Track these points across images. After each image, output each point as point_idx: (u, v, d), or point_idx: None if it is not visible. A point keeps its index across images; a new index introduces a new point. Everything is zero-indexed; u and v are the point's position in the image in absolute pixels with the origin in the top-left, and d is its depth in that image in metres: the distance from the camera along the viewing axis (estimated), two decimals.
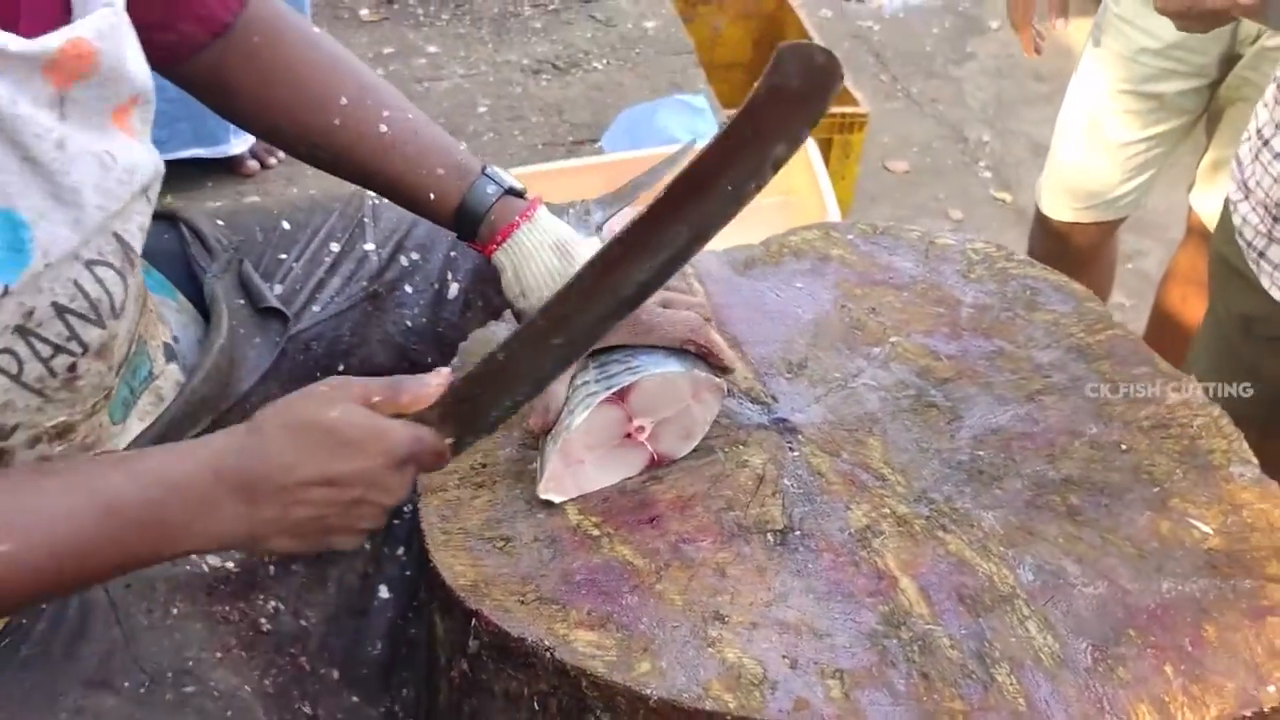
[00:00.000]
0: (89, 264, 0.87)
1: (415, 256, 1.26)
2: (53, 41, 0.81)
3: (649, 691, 0.85)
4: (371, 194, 1.27)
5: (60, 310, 0.84)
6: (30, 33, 0.80)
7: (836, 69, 0.85)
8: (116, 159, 0.87)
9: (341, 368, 1.21)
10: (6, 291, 0.80)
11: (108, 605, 0.92)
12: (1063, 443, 1.07)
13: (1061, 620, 0.90)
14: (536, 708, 0.91)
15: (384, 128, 1.05)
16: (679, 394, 1.02)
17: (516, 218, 1.03)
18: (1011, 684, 0.86)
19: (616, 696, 0.86)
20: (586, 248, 1.04)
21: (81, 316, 0.86)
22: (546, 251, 1.03)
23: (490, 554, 0.96)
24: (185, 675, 0.92)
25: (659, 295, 1.06)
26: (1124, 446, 1.07)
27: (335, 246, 1.24)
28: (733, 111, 0.89)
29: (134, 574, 0.92)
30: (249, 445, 0.83)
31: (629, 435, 1.01)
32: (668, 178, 1.11)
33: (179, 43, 1.04)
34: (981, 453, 1.06)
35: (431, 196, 1.05)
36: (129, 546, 0.80)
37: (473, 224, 1.05)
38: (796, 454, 1.06)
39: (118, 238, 0.89)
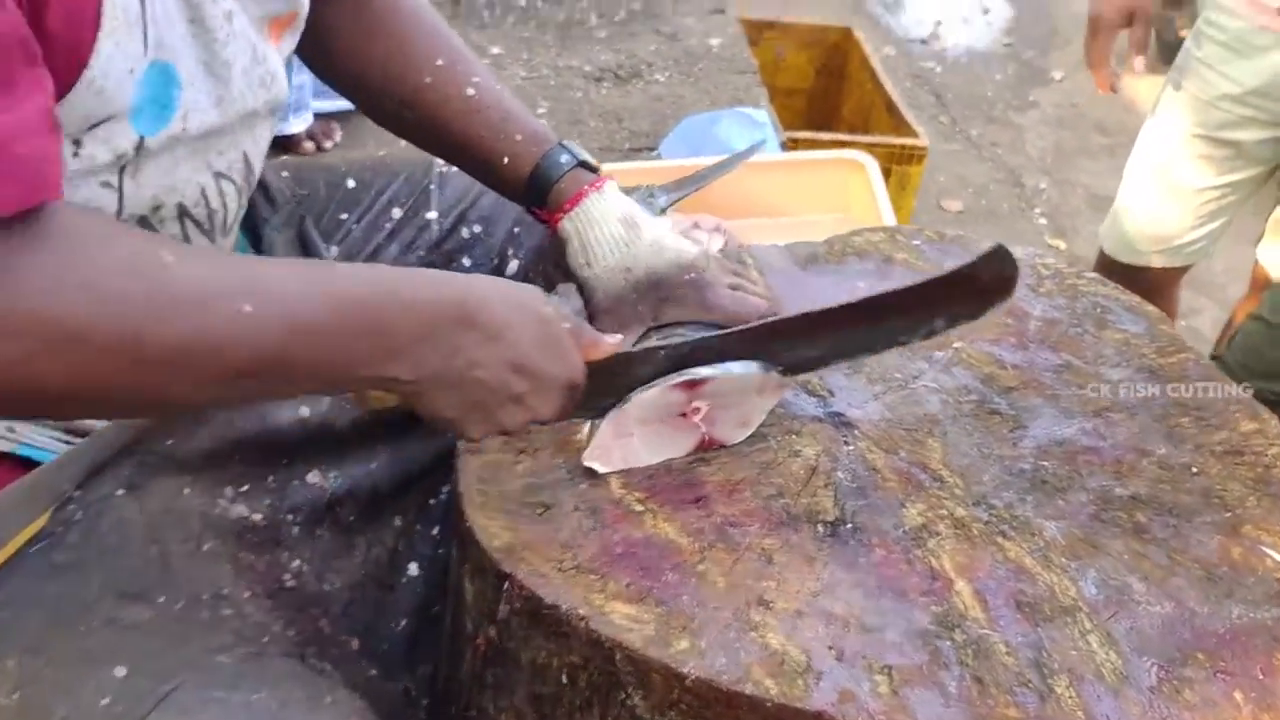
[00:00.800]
0: (217, 175, 0.89)
1: (478, 229, 1.24)
2: None
3: (687, 669, 0.80)
4: (440, 162, 1.25)
5: (183, 213, 0.86)
6: None
7: (1014, 284, 0.93)
8: (265, 60, 0.89)
9: None
10: (142, 144, 0.79)
11: (144, 526, 0.89)
12: (1130, 460, 1.02)
13: (1125, 637, 0.86)
14: (565, 680, 0.87)
15: (471, 91, 1.05)
16: (747, 390, 0.98)
17: (586, 186, 1.01)
18: (1070, 696, 0.81)
19: (652, 673, 0.82)
20: (653, 226, 1.02)
21: (198, 224, 0.87)
22: (613, 222, 1.01)
23: (529, 519, 0.92)
24: (221, 600, 0.88)
25: (729, 279, 1.03)
26: (1194, 469, 1.02)
27: (397, 212, 1.22)
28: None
29: (171, 505, 0.90)
30: (475, 293, 0.81)
31: (684, 415, 0.97)
32: (732, 172, 1.10)
33: None
34: (1045, 463, 1.01)
35: (506, 160, 1.04)
36: (348, 349, 0.75)
37: (542, 191, 1.02)
38: (852, 448, 1.02)
39: (245, 157, 0.91)
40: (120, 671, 0.80)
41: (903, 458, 1.01)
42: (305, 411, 1.03)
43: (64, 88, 0.73)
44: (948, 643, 0.84)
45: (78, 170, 0.79)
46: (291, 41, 0.97)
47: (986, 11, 4.89)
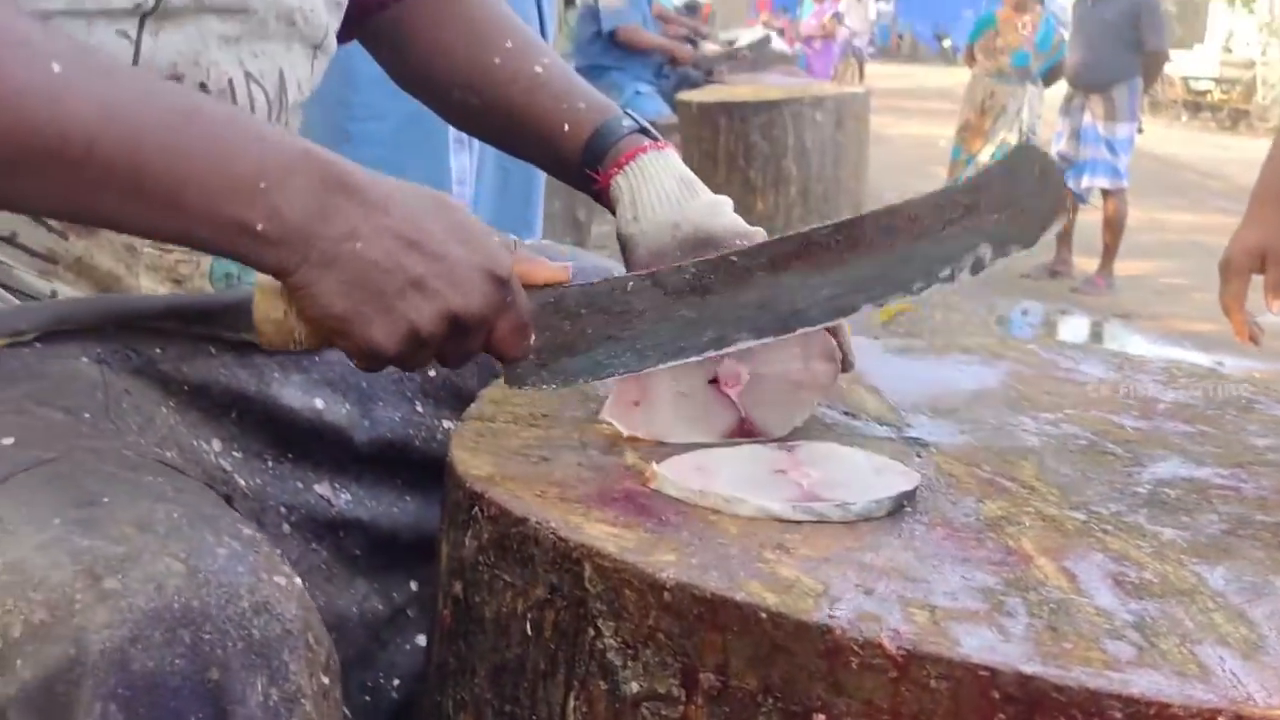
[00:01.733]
0: (248, 75, 0.86)
1: None
2: None
3: (664, 575, 0.63)
4: None
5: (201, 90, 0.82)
6: None
7: (1061, 195, 0.82)
8: None
9: (431, 373, 1.07)
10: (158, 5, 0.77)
11: (102, 386, 0.79)
12: (1276, 501, 0.82)
13: (1265, 621, 0.64)
14: (529, 630, 0.70)
15: (539, 69, 1.02)
16: (787, 352, 0.85)
17: (646, 144, 0.95)
18: (1180, 652, 0.59)
19: (625, 589, 0.65)
20: (711, 194, 0.93)
21: None
22: (669, 179, 0.92)
23: (520, 464, 0.78)
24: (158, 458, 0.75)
25: None
26: None
27: None
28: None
29: (140, 402, 0.80)
30: (352, 167, 0.71)
31: (715, 381, 0.84)
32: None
33: None
34: (1168, 490, 0.82)
35: (566, 127, 0.99)
36: (183, 162, 0.66)
37: (600, 152, 0.96)
38: (924, 459, 0.85)
39: (280, 74, 0.89)
40: (6, 440, 0.69)
41: (986, 470, 0.83)
42: (320, 404, 0.93)
43: None
44: (1017, 599, 0.64)
45: (93, 9, 0.77)
46: None
47: None
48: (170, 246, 0.88)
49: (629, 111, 0.98)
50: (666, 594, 0.63)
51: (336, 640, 0.90)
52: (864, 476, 0.78)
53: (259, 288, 0.75)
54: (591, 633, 0.66)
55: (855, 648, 0.59)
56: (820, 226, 0.80)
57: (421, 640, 0.97)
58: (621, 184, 0.94)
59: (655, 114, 5.53)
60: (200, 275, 0.91)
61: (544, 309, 0.79)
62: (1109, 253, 6.27)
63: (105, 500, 0.63)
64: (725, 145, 3.78)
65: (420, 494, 0.98)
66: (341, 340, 0.73)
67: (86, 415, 0.75)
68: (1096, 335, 5.66)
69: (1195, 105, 17.67)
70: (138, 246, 0.86)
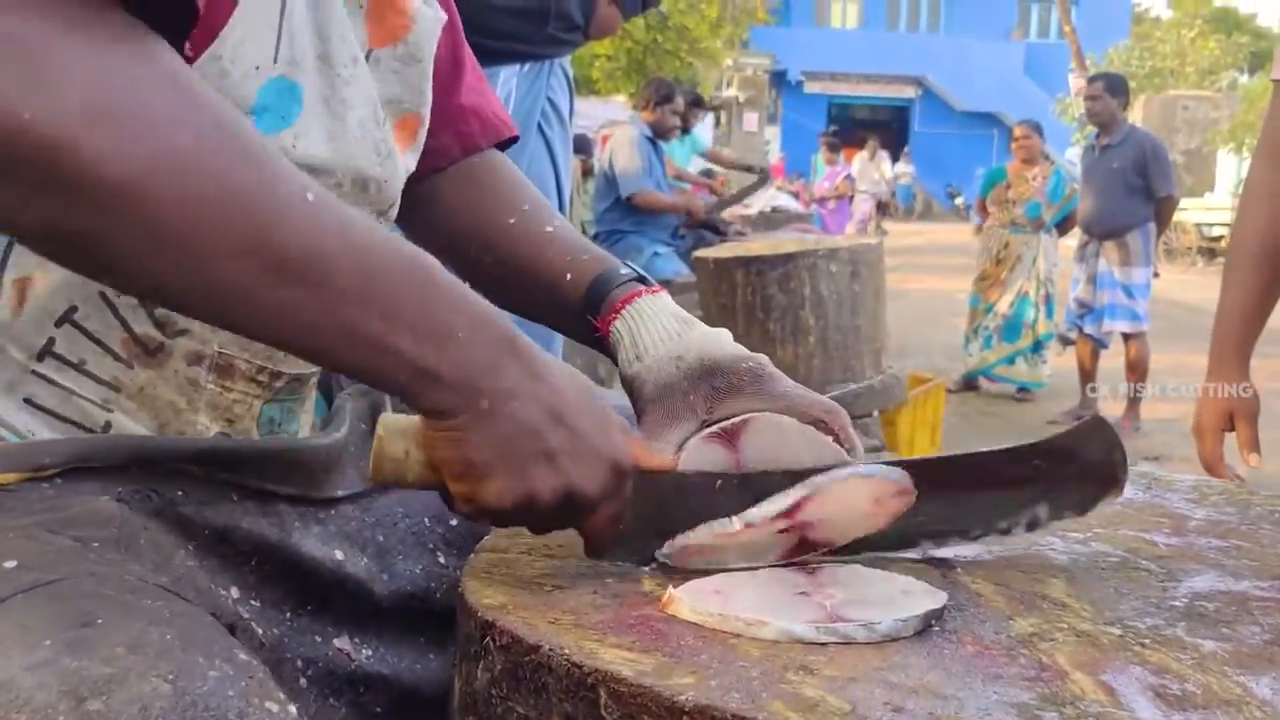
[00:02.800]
0: None
1: None
2: None
3: (683, 699, 0.61)
4: None
5: None
6: None
7: (1122, 467, 0.86)
8: (388, 143, 0.94)
9: (454, 522, 1.06)
10: None
11: (119, 520, 0.78)
12: None
13: None
14: None
15: (550, 229, 1.06)
16: (795, 453, 0.84)
17: (642, 289, 0.96)
18: None
19: (643, 715, 0.62)
20: (709, 328, 0.94)
21: None
22: (667, 317, 0.93)
23: (534, 593, 0.77)
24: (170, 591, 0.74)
25: (800, 400, 0.91)
26: None
27: None
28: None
29: (159, 541, 0.79)
30: (524, 336, 0.76)
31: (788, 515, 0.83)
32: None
33: (431, 152, 1.07)
34: (1205, 603, 0.79)
35: (569, 278, 1.01)
36: (392, 301, 0.69)
37: (599, 298, 0.97)
38: (949, 579, 0.83)
39: None
40: (9, 564, 0.67)
41: (1015, 588, 0.81)
42: (339, 555, 0.92)
43: (191, 54, 0.76)
44: (1053, 714, 0.61)
45: None
46: (413, 159, 1.00)
47: None
48: (232, 385, 0.89)
49: (628, 264, 1.00)
50: (685, 717, 0.60)
51: None
52: (889, 596, 0.76)
53: (383, 425, 0.77)
54: None
55: None
56: (906, 460, 0.85)
57: None
58: (620, 328, 0.95)
59: (674, 274, 5.62)
60: (250, 417, 0.92)
61: (640, 491, 0.80)
62: (1134, 396, 6.24)
63: (99, 621, 0.62)
64: (743, 298, 3.82)
65: (443, 649, 0.96)
66: (459, 486, 0.75)
67: (96, 544, 0.74)
68: None
69: (1210, 251, 17.82)
70: (201, 382, 0.87)
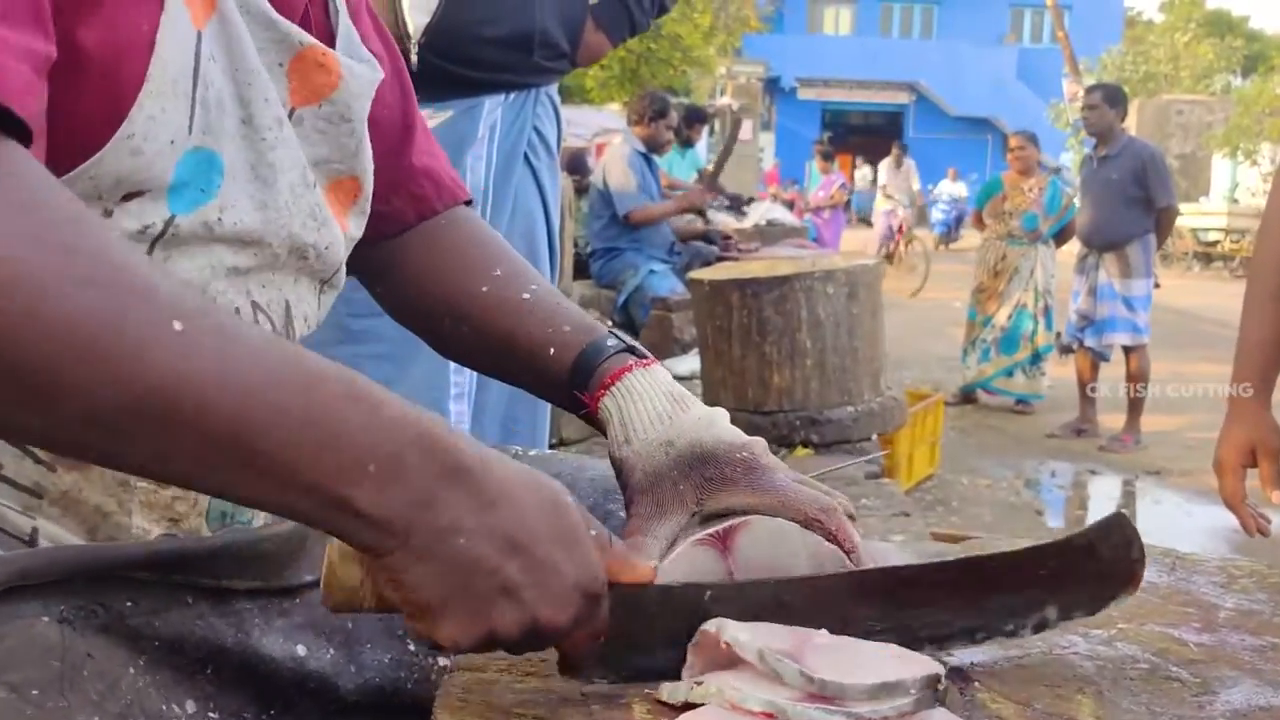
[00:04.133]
0: (254, 305, 0.84)
1: None
2: (302, 35, 0.85)
3: None
4: None
5: None
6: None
7: (1140, 567, 0.81)
8: (321, 209, 0.89)
9: None
10: (173, 222, 0.76)
11: (61, 650, 0.71)
12: None
13: None
14: None
15: (527, 295, 1.00)
16: (792, 556, 0.78)
17: (632, 363, 0.90)
18: None
19: None
20: (704, 406, 0.88)
21: None
22: (659, 396, 0.87)
23: None
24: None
25: (795, 497, 0.85)
26: None
27: None
28: None
29: (105, 667, 0.72)
30: (469, 451, 0.68)
31: None
32: None
33: (385, 217, 1.03)
34: None
35: (552, 351, 0.95)
36: (293, 437, 0.62)
37: (586, 372, 0.92)
38: (969, 698, 0.76)
39: (287, 305, 0.88)
40: None
41: (1039, 709, 0.74)
42: (301, 651, 0.86)
43: (100, 137, 0.71)
44: None
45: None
46: (357, 224, 0.95)
47: None
48: (165, 484, 0.82)
49: (614, 331, 0.95)
50: None
51: None
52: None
53: (333, 550, 0.70)
54: None
55: None
56: (911, 565, 0.81)
57: None
58: (609, 405, 0.89)
59: (669, 291, 5.58)
60: (197, 514, 0.86)
61: (620, 606, 0.74)
62: (1134, 409, 6.19)
63: None
64: (739, 321, 3.75)
65: None
66: (414, 624, 0.69)
67: (35, 691, 0.67)
68: (1129, 494, 5.54)
69: (1206, 256, 17.81)
70: (131, 482, 0.81)
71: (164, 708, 0.76)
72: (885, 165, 15.78)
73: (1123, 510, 0.82)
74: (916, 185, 16.51)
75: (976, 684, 0.78)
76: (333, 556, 0.70)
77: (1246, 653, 0.84)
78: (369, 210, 0.96)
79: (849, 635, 0.76)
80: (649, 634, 0.75)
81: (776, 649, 0.70)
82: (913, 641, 0.79)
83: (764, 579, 0.78)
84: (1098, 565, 0.80)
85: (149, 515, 0.82)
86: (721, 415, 0.89)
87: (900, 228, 14.16)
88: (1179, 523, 5.00)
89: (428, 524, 0.65)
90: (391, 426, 0.65)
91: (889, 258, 13.97)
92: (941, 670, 0.70)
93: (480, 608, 0.67)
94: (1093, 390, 6.34)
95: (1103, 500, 5.61)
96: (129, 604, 0.77)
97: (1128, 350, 6.20)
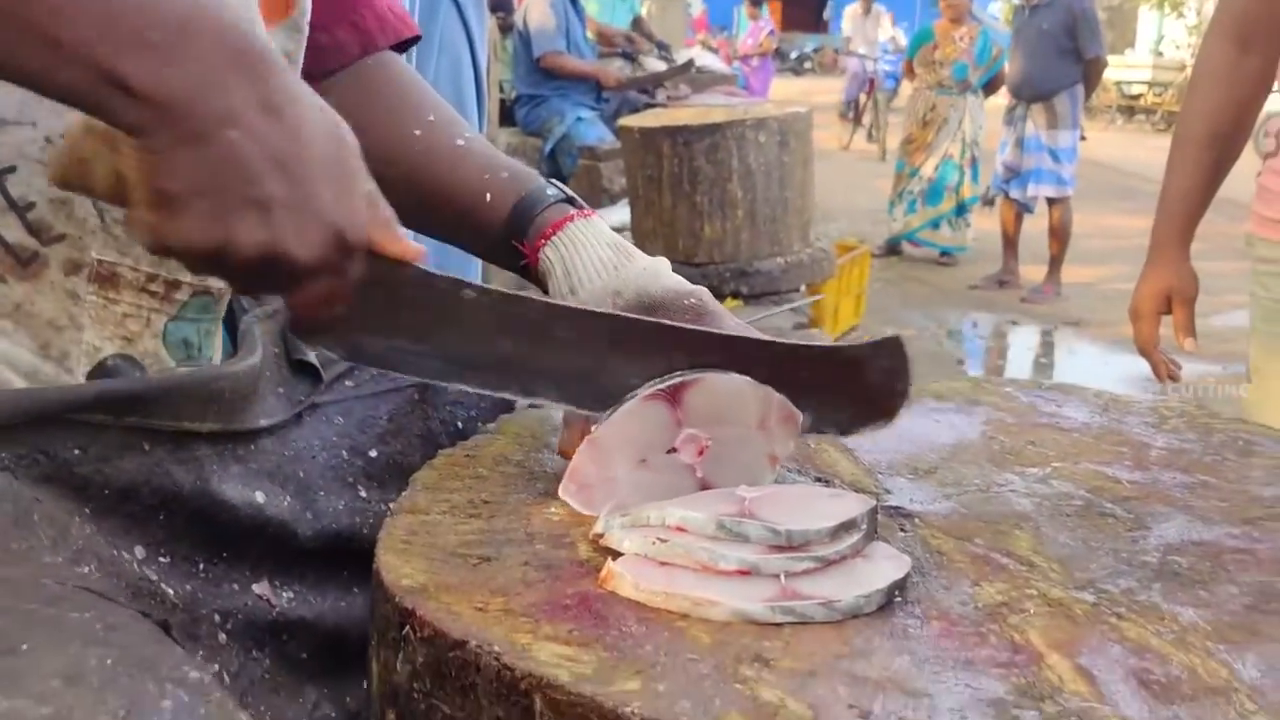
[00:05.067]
0: None
1: None
2: None
3: (628, 710, 0.54)
4: None
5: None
6: None
7: (902, 397, 0.79)
8: (249, 8, 0.82)
9: (372, 454, 0.98)
10: None
11: (10, 496, 0.69)
12: None
13: None
14: None
15: (461, 142, 0.96)
16: (744, 410, 0.77)
17: (573, 213, 0.88)
18: None
19: None
20: (646, 256, 0.86)
21: None
22: (601, 245, 0.86)
23: (457, 568, 0.69)
24: (80, 589, 0.64)
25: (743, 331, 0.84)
26: None
27: None
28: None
29: (54, 514, 0.70)
30: (273, 53, 0.64)
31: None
32: None
33: (328, 50, 0.98)
34: (1179, 558, 0.74)
35: (488, 198, 0.92)
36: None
37: (524, 222, 0.89)
38: (909, 534, 0.77)
39: None
40: None
41: (979, 544, 0.75)
42: (261, 497, 0.84)
43: None
44: (1033, 713, 0.56)
45: None
46: (287, 41, 0.89)
47: None
48: (117, 297, 0.79)
49: (552, 181, 0.92)
50: None
51: None
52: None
53: (79, 120, 0.65)
54: None
55: None
56: (683, 328, 0.78)
57: None
58: (551, 256, 0.87)
59: (597, 140, 5.47)
60: (152, 335, 0.82)
61: (375, 280, 0.70)
62: (1056, 261, 6.28)
63: (25, 647, 0.54)
64: (669, 170, 3.70)
65: (369, 585, 0.89)
66: (147, 215, 0.63)
67: None
68: (1047, 344, 5.65)
69: (1129, 109, 17.93)
70: (82, 294, 0.78)
71: (114, 554, 0.75)
72: (851, 13, 14.96)
73: (899, 336, 0.79)
74: (891, 33, 15.54)
75: (917, 520, 0.79)
76: (75, 127, 0.65)
77: (1178, 490, 0.86)
78: (305, 30, 0.90)
79: (594, 381, 0.77)
80: (393, 316, 0.72)
81: (727, 513, 0.69)
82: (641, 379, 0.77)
83: (538, 299, 0.77)
84: (862, 386, 0.79)
85: (100, 332, 0.79)
86: (665, 265, 0.87)
87: (871, 83, 13.53)
88: (1096, 371, 5.12)
89: (203, 109, 0.61)
90: (187, 6, 0.61)
91: (857, 118, 13.61)
92: (908, 569, 0.69)
93: (224, 212, 0.62)
94: (1012, 238, 6.41)
95: (1022, 350, 5.72)
96: (76, 451, 0.75)
97: (1051, 202, 6.25)
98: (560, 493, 0.77)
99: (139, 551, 0.77)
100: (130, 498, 0.76)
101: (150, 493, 0.77)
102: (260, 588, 0.83)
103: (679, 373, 0.77)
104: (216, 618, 0.80)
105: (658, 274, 0.84)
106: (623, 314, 0.78)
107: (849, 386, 0.79)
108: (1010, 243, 6.52)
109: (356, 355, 0.75)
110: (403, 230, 0.73)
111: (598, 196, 5.22)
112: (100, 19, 0.58)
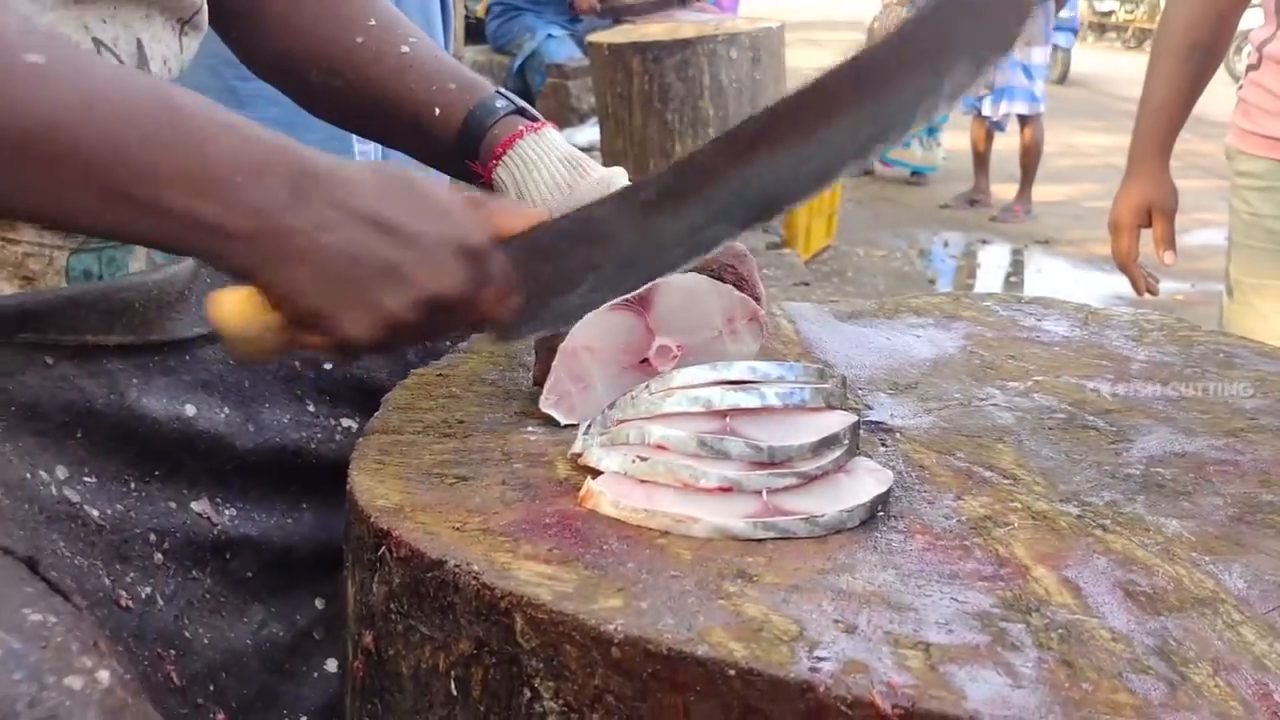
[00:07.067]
0: (97, 42, 0.77)
1: None
2: None
3: (611, 628, 0.53)
4: None
5: None
6: None
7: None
8: None
9: (328, 366, 0.96)
10: None
11: None
12: (1279, 474, 0.74)
13: None
14: (454, 690, 0.60)
15: (406, 49, 0.92)
16: (707, 312, 0.77)
17: (522, 128, 0.85)
18: (1217, 686, 0.51)
19: (565, 644, 0.55)
20: (599, 167, 0.84)
21: None
22: (553, 162, 0.84)
23: (433, 488, 0.68)
24: None
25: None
26: None
27: None
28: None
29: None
30: (319, 156, 0.66)
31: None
32: None
33: None
34: (1162, 470, 0.74)
35: (438, 112, 0.89)
36: (150, 153, 0.61)
37: (475, 139, 0.87)
38: (891, 449, 0.76)
39: (139, 45, 0.80)
40: None
41: (961, 458, 0.75)
42: (190, 410, 0.81)
43: None
44: (1020, 626, 0.55)
45: None
46: None
47: None
48: (16, 237, 0.76)
49: (501, 90, 0.89)
50: (615, 650, 0.53)
51: (231, 680, 0.80)
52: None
53: (213, 303, 0.67)
54: (528, 694, 0.56)
55: (843, 708, 0.49)
56: (786, 97, 0.68)
57: (332, 665, 0.87)
58: (504, 176, 0.85)
59: (567, 58, 5.37)
60: (55, 273, 0.79)
61: (521, 258, 0.70)
62: (1027, 179, 6.26)
63: None
64: (640, 87, 3.64)
65: (318, 501, 0.87)
66: (316, 336, 0.67)
67: None
68: (1017, 263, 5.65)
69: (1101, 26, 17.80)
70: None
71: (27, 475, 0.72)
72: None
73: None
74: None
75: (898, 435, 0.78)
76: (215, 312, 0.67)
77: (1159, 402, 0.85)
78: None
79: (754, 194, 0.69)
80: (563, 273, 0.71)
81: (708, 430, 0.68)
82: (830, 171, 0.69)
83: (646, 176, 0.71)
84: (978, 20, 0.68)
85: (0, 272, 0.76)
86: (620, 175, 0.85)
87: None
88: (1066, 290, 5.12)
89: (289, 226, 0.63)
90: (251, 140, 0.64)
91: None
92: (890, 483, 0.68)
93: (367, 295, 0.65)
94: (983, 156, 6.38)
95: (992, 269, 5.72)
96: None
97: (1023, 120, 6.21)
98: (541, 405, 0.76)
99: (60, 472, 0.74)
100: (37, 415, 0.74)
101: (59, 409, 0.75)
102: (200, 505, 0.81)
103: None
104: (152, 537, 0.78)
105: (611, 186, 0.82)
106: (740, 125, 0.70)
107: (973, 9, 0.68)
108: (981, 161, 6.49)
109: (564, 319, 0.74)
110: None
111: (566, 115, 5.14)
112: (197, 173, 0.62)
